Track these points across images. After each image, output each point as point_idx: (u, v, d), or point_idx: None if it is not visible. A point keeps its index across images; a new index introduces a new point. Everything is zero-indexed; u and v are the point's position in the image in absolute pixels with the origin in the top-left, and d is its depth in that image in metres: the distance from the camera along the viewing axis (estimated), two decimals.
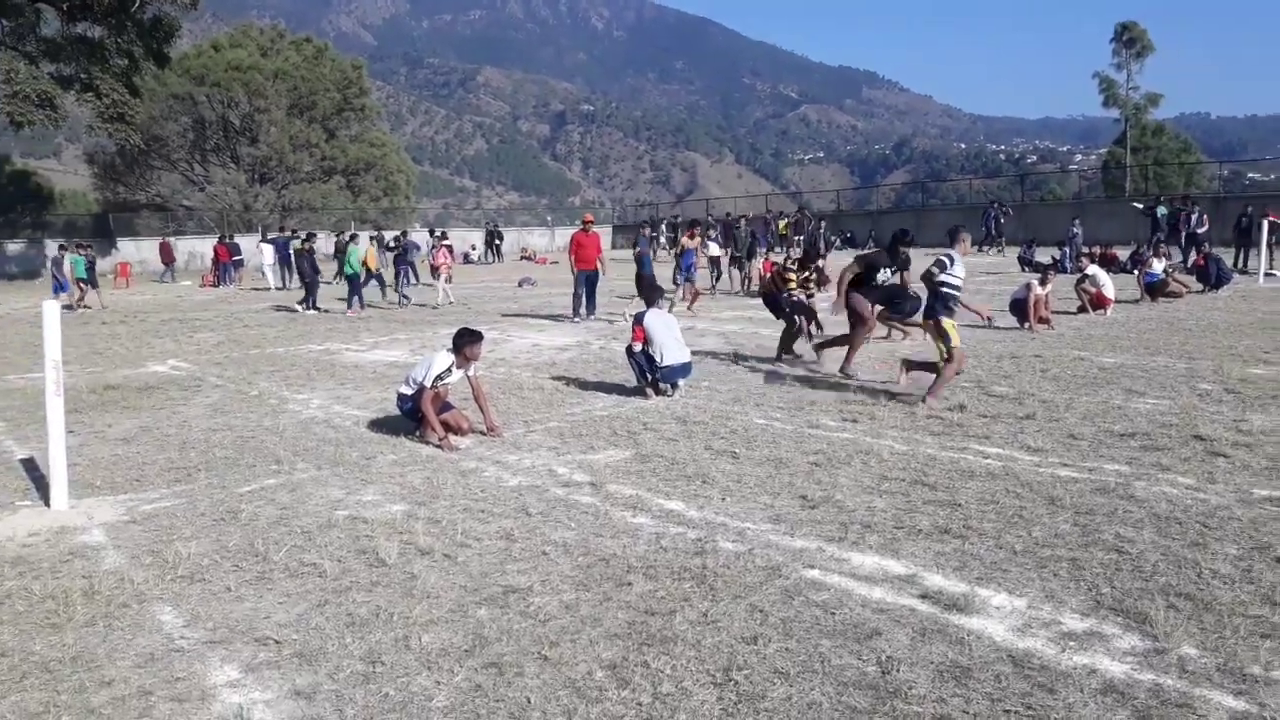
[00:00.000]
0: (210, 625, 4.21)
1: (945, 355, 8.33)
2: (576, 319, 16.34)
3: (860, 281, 9.87)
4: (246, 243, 35.13)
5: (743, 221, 23.23)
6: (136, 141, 42.04)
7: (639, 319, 9.13)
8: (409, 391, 7.61)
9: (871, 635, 3.84)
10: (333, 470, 6.81)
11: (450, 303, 20.68)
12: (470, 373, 7.69)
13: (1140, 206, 26.33)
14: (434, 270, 21.69)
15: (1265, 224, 20.04)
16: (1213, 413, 7.60)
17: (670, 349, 8.93)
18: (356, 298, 19.98)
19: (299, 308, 20.24)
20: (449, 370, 7.47)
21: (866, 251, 10.46)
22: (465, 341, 7.56)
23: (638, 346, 9.02)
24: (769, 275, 10.95)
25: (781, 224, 38.22)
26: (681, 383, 9.19)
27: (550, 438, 7.58)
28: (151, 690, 3.64)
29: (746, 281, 21.77)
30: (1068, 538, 4.90)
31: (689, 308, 17.16)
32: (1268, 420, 7.27)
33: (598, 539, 5.11)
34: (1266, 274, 19.68)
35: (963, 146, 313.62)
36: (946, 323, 8.34)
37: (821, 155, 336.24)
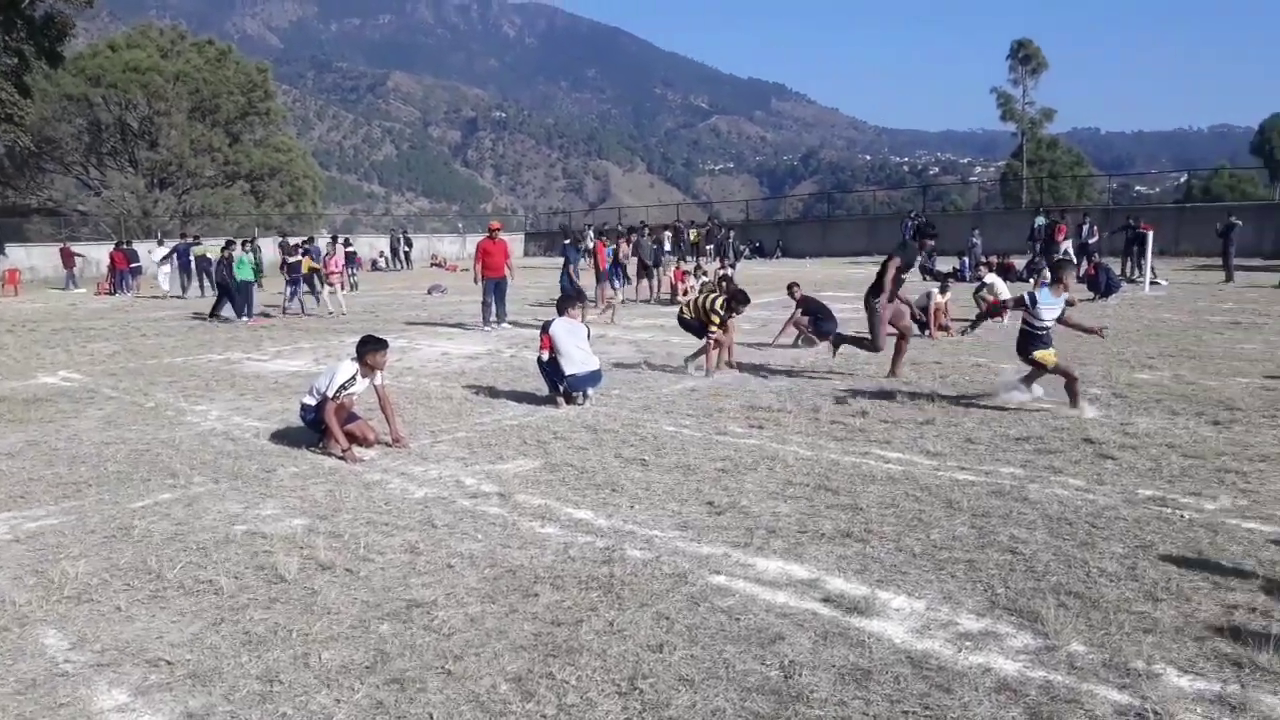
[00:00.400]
0: (98, 647, 4.05)
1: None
2: (488, 327, 16.19)
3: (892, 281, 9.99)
4: (145, 249, 33.88)
5: (647, 230, 23.34)
6: (26, 143, 40.38)
7: (546, 328, 9.10)
8: (312, 402, 7.44)
9: (775, 640, 3.89)
10: (231, 484, 6.61)
11: (344, 313, 20.00)
12: (376, 382, 7.56)
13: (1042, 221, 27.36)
14: (326, 278, 21.03)
15: (1149, 235, 20.96)
16: (1101, 416, 7.91)
17: (576, 358, 8.91)
18: (247, 306, 19.17)
19: (213, 318, 19.58)
20: (353, 380, 7.32)
21: (903, 247, 10.54)
22: (369, 350, 7.43)
23: (545, 355, 8.99)
24: (696, 302, 10.89)
25: (693, 233, 38.57)
26: (592, 391, 9.18)
27: (458, 448, 7.49)
28: (33, 718, 3.48)
29: (655, 290, 21.91)
30: (965, 540, 5.04)
31: (611, 317, 17.15)
32: (1152, 423, 7.60)
33: (505, 550, 5.07)
34: (1152, 283, 20.58)
35: (868, 158, 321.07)
36: (1039, 355, 8.36)
37: (731, 166, 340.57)
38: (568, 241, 20.57)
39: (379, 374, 7.58)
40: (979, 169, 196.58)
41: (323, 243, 30.81)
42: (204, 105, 50.85)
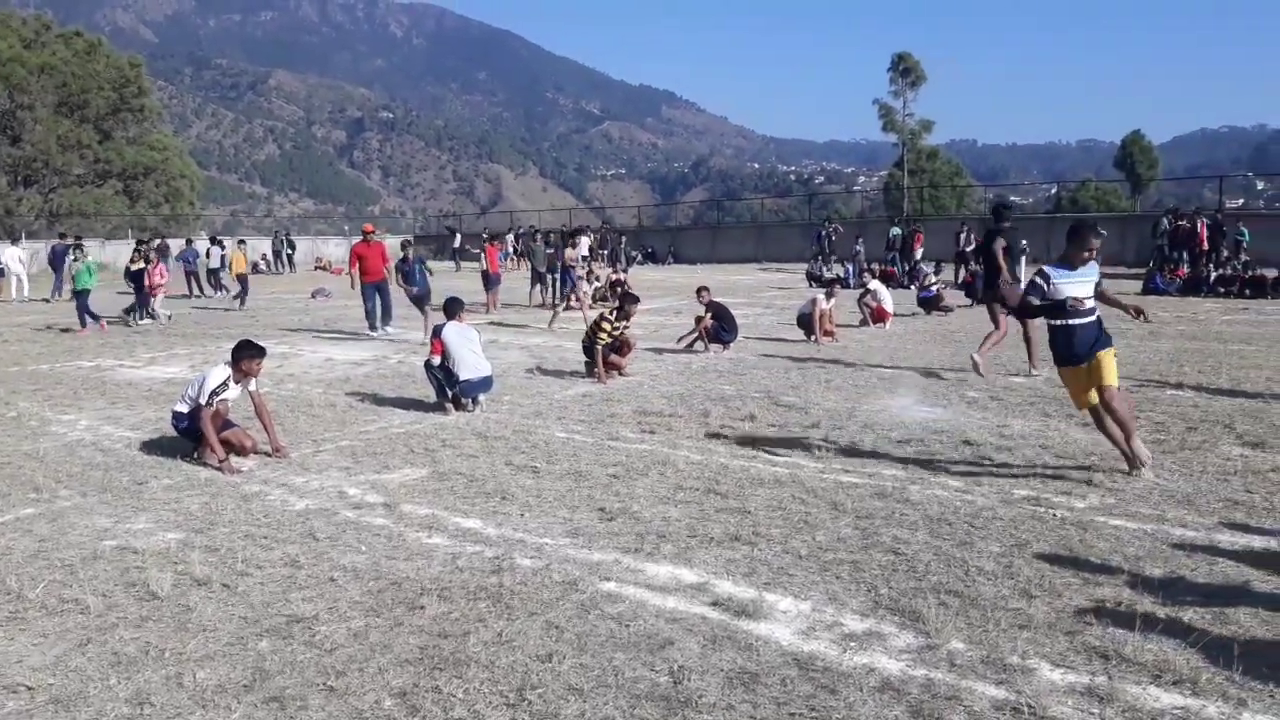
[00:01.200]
0: None
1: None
2: (374, 333, 15.85)
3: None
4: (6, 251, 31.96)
5: (538, 236, 23.26)
6: None
7: (437, 332, 8.94)
8: (184, 409, 7.14)
9: (664, 645, 3.89)
10: (100, 497, 6.29)
11: (166, 321, 19.09)
12: (250, 388, 7.30)
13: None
14: (150, 289, 19.49)
15: (1023, 244, 21.85)
16: (979, 420, 8.19)
17: (469, 363, 8.79)
18: (88, 315, 17.52)
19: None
20: (225, 385, 7.04)
21: (997, 233, 10.83)
22: (244, 355, 7.17)
23: (436, 360, 8.84)
24: (589, 327, 10.86)
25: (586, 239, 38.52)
26: (482, 398, 9.06)
27: (342, 457, 7.29)
28: None
29: (546, 297, 21.81)
30: (849, 541, 5.14)
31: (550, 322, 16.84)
32: (1026, 425, 7.91)
33: (390, 562, 4.95)
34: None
35: (756, 166, 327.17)
36: (1104, 363, 6.41)
37: (623, 171, 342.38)
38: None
39: (253, 380, 7.33)
40: (863, 178, 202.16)
41: (201, 245, 29.75)
42: (72, 100, 48.53)
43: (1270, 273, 20.77)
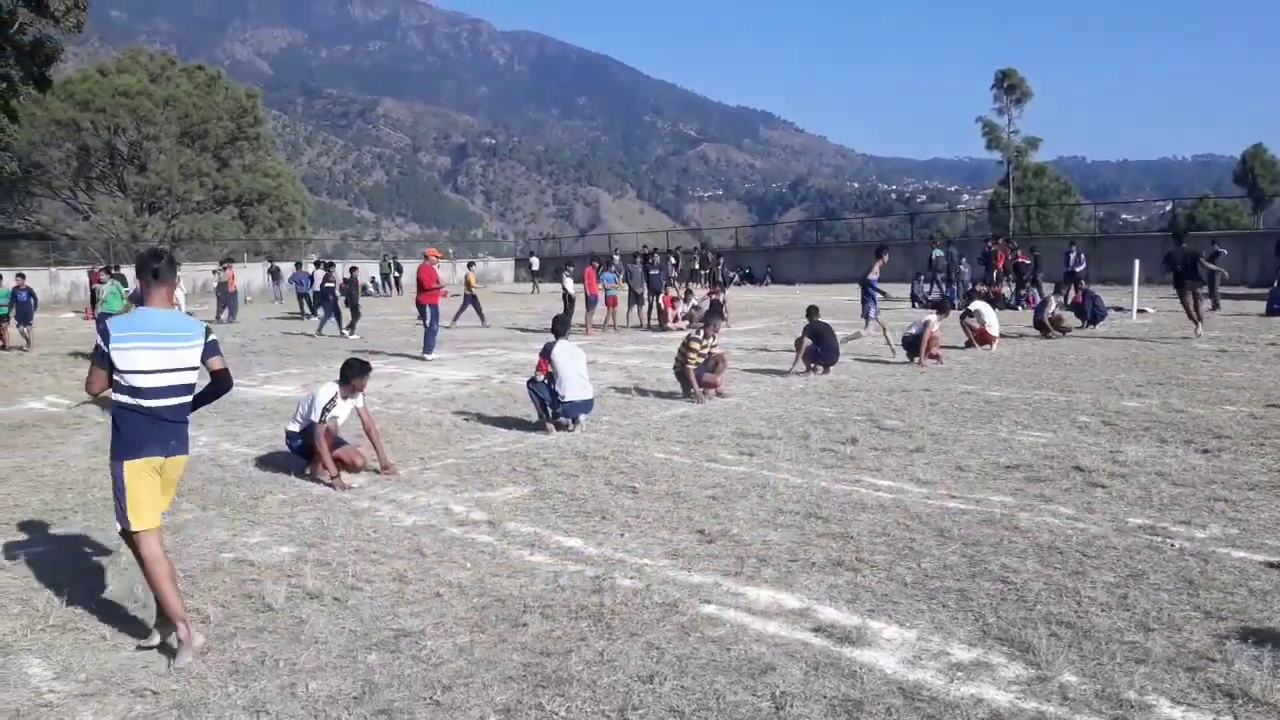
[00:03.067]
0: (83, 677, 4.00)
1: None
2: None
3: None
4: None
5: (637, 258, 23.44)
6: (14, 168, 40.26)
7: (546, 351, 9.07)
8: (296, 428, 7.41)
9: (765, 670, 3.86)
10: (218, 511, 6.56)
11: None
12: (358, 404, 7.52)
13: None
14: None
15: (1135, 264, 21.10)
16: (1091, 444, 7.92)
17: (574, 384, 8.90)
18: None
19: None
20: (334, 401, 7.28)
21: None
22: (354, 373, 7.40)
23: (541, 378, 8.97)
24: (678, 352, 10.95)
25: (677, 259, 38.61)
26: (583, 418, 9.16)
27: (447, 475, 7.45)
28: None
29: (645, 317, 21.96)
30: (956, 569, 5.02)
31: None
32: (1141, 451, 7.61)
33: (494, 579, 5.03)
34: (1139, 310, 20.70)
35: (855, 185, 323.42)
36: None
37: (720, 193, 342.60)
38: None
39: (361, 397, 7.55)
40: (966, 197, 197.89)
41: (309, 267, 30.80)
42: (193, 130, 50.96)
43: None
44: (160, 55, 58.04)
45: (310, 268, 29.40)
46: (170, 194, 50.25)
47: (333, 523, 6.18)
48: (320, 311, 22.04)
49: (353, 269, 23.99)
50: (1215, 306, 21.97)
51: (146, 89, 49.09)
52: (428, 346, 16.25)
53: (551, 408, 8.95)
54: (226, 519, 6.36)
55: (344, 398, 7.39)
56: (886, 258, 15.46)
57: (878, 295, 15.10)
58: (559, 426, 9.02)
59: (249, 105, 54.93)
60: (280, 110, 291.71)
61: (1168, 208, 71.63)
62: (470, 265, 27.80)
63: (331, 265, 23.57)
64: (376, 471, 7.48)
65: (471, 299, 23.34)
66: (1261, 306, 21.22)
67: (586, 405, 9.10)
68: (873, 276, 14.84)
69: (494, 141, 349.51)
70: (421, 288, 16.39)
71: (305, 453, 7.39)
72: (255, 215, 54.15)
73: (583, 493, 6.76)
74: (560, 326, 9.45)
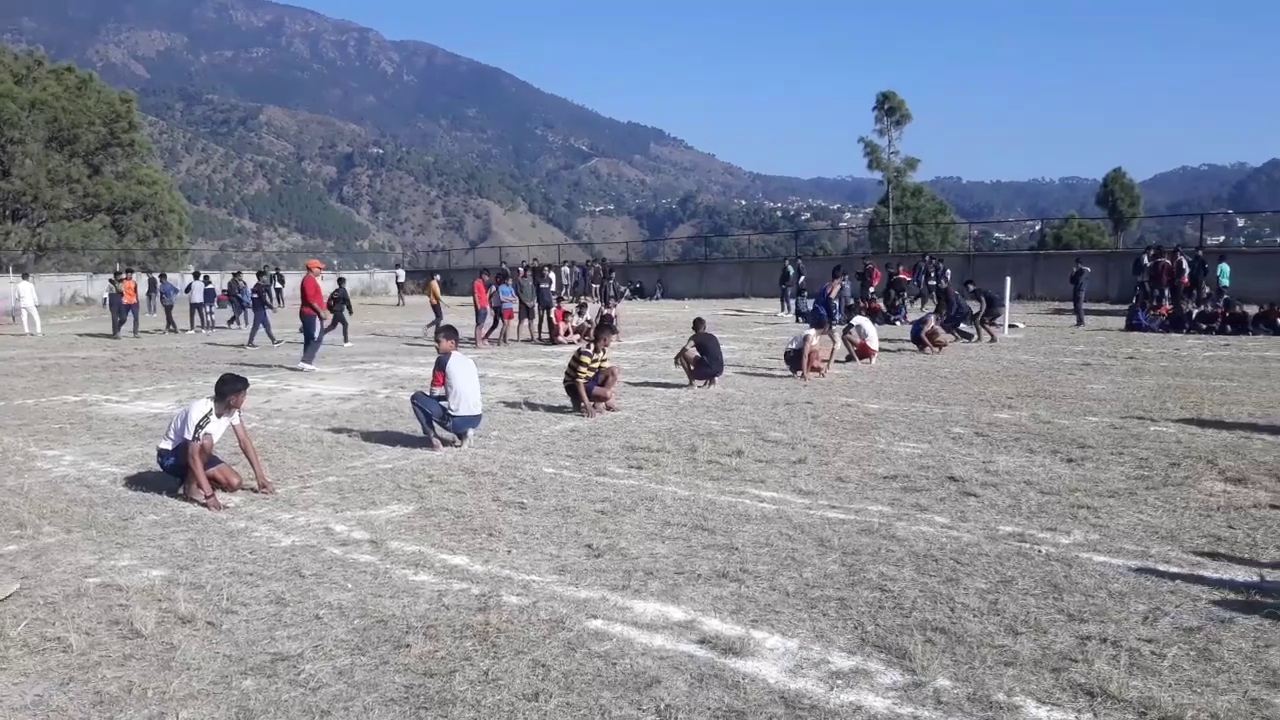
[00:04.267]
0: None
1: None
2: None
3: None
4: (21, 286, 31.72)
5: (526, 271, 23.41)
6: None
7: (440, 364, 8.92)
8: (169, 445, 7.12)
9: (651, 684, 3.88)
10: (84, 533, 6.24)
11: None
12: (234, 422, 7.28)
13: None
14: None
15: (1007, 280, 22.05)
16: (964, 455, 8.22)
17: (468, 399, 8.78)
18: None
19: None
20: (208, 418, 7.02)
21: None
22: (229, 389, 7.16)
23: (439, 391, 8.81)
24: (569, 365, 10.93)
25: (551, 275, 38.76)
26: (470, 433, 9.05)
27: (328, 493, 7.26)
28: None
29: (535, 330, 21.91)
30: (836, 577, 5.14)
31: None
32: (1011, 461, 7.95)
33: (376, 599, 4.92)
34: (1010, 326, 21.62)
35: (743, 203, 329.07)
36: None
37: (612, 207, 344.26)
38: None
39: (237, 414, 7.31)
40: (848, 215, 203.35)
41: (182, 279, 29.77)
42: (62, 134, 48.64)
43: (1251, 309, 20.98)
44: (26, 55, 55.15)
45: (189, 279, 28.42)
46: (37, 200, 47.76)
47: (207, 544, 5.96)
48: (243, 320, 21.79)
49: (260, 275, 23.91)
50: (1080, 322, 23.13)
51: (10, 90, 46.60)
52: (307, 356, 16.17)
53: (440, 423, 8.82)
54: (93, 542, 6.06)
55: (219, 414, 7.13)
56: (845, 279, 16.02)
57: (835, 313, 15.51)
58: (446, 442, 8.89)
59: (123, 110, 52.65)
60: (157, 116, 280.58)
61: (1037, 227, 74.93)
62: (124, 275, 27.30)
63: (264, 273, 23.55)
64: (254, 490, 7.24)
65: (435, 309, 23.34)
66: (1121, 322, 22.43)
67: (475, 420, 9.00)
68: (832, 294, 15.36)
69: (381, 151, 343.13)
70: (304, 299, 16.22)
71: (178, 472, 7.11)
72: (129, 224, 51.88)
73: (469, 509, 6.68)
74: (450, 336, 9.31)
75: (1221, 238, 76.37)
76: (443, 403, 8.77)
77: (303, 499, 7.10)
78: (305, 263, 18.18)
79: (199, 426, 6.94)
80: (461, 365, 8.89)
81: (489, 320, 20.84)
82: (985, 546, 5.66)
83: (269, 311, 21.74)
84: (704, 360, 12.69)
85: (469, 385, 8.81)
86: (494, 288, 20.86)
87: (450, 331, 9.32)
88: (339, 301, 21.98)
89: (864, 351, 15.52)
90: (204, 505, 6.79)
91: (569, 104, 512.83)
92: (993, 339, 19.35)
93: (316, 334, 16.30)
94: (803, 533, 5.98)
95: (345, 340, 21.29)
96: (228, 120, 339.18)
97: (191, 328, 26.59)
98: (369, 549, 5.82)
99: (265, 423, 10.43)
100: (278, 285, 42.76)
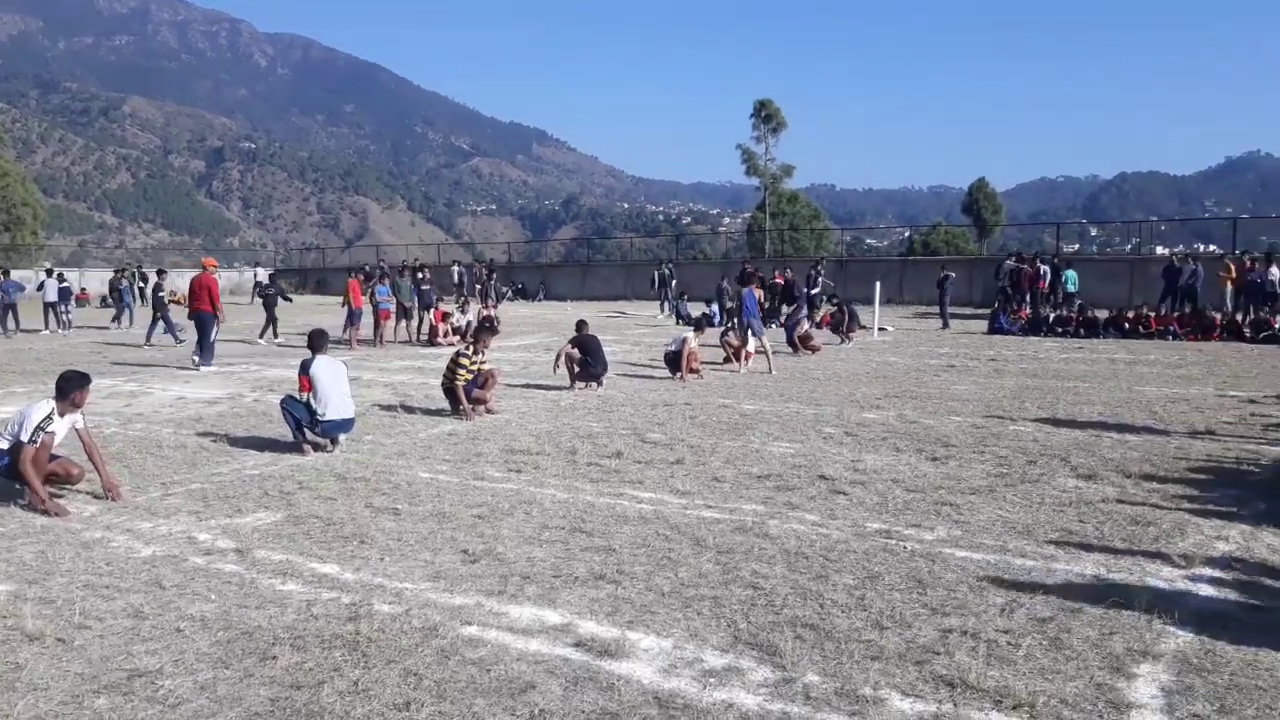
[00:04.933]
0: None
1: None
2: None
3: None
4: None
5: (407, 272, 22.99)
6: None
7: (305, 367, 8.68)
8: (5, 445, 6.68)
9: (525, 689, 3.86)
10: None
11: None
12: (78, 425, 6.92)
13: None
14: None
15: (877, 285, 22.80)
16: (835, 454, 8.46)
17: (335, 402, 8.57)
18: None
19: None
20: (49, 419, 6.64)
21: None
22: (72, 387, 6.81)
23: (304, 396, 8.57)
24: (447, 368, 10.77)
25: (454, 272, 38.18)
26: (343, 438, 8.83)
27: (191, 501, 6.98)
28: None
29: (416, 332, 21.56)
30: (710, 576, 5.22)
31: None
32: (879, 460, 8.22)
33: (241, 610, 4.76)
34: (879, 329, 22.35)
35: (626, 206, 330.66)
36: None
37: (494, 208, 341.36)
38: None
39: (81, 415, 6.96)
40: (727, 220, 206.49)
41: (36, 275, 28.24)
42: None
43: (1102, 314, 22.22)
44: None
45: (42, 275, 26.92)
46: None
47: (59, 556, 5.65)
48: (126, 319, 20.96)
49: (160, 272, 23.39)
50: (945, 326, 24.06)
51: None
52: (205, 359, 15.82)
53: (309, 427, 8.58)
54: None
55: (61, 414, 6.76)
56: (759, 287, 16.53)
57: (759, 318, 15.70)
58: (316, 447, 8.66)
59: None
60: (9, 103, 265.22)
61: (906, 234, 77.54)
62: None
63: (163, 273, 23.25)
64: (107, 500, 6.89)
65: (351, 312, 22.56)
66: (984, 325, 23.44)
67: (347, 424, 8.79)
68: (760, 296, 15.69)
69: (254, 146, 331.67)
70: (196, 297, 15.95)
71: (11, 474, 6.67)
72: None
73: (341, 516, 6.52)
74: (319, 341, 9.08)
75: (1076, 246, 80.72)
76: (310, 406, 8.54)
77: (164, 507, 6.81)
78: (201, 260, 18.19)
79: (39, 428, 6.56)
80: (328, 368, 8.69)
81: (362, 320, 20.42)
82: (854, 543, 5.83)
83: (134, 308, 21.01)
84: (587, 361, 12.70)
85: (336, 388, 8.61)
86: (370, 286, 20.52)
87: (320, 337, 9.11)
88: (271, 297, 21.80)
89: (741, 354, 15.78)
90: (44, 513, 6.43)
91: (450, 102, 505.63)
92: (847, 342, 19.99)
93: (212, 334, 15.98)
94: (679, 533, 6.05)
95: (276, 336, 21.04)
96: (88, 110, 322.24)
97: (46, 328, 25.14)
98: (234, 558, 5.62)
99: (126, 427, 9.97)
100: (140, 285, 41.08)
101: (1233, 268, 23.55)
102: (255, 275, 45.90)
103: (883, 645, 4.29)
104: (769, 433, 9.56)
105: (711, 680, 3.95)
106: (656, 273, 31.10)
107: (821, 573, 5.29)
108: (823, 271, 27.56)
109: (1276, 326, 19.59)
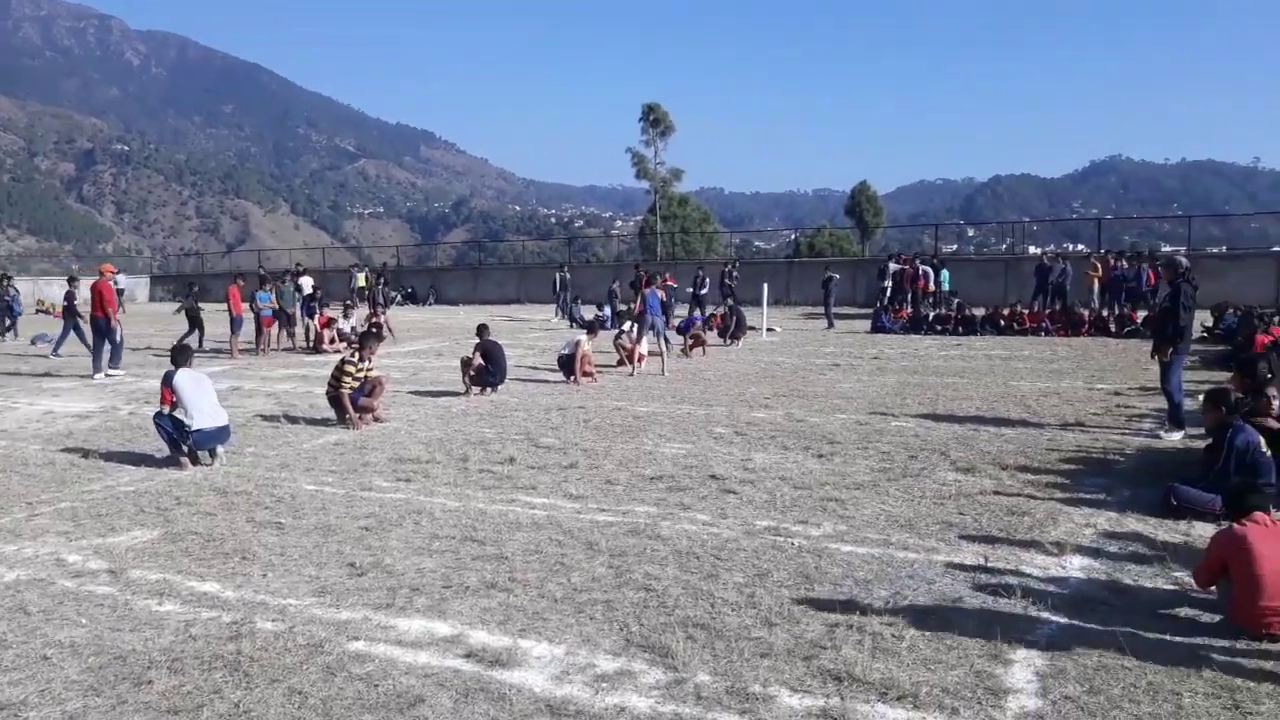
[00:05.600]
0: None
1: None
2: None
3: None
4: None
5: (288, 277, 22.37)
6: None
7: (167, 379, 8.38)
8: None
9: (414, 703, 3.80)
10: None
11: None
12: None
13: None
14: None
15: (764, 286, 23.19)
16: (725, 454, 8.58)
17: (203, 412, 8.28)
18: None
19: None
20: None
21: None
22: None
23: (166, 409, 8.26)
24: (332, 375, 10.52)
25: (361, 278, 36.89)
26: (221, 449, 8.54)
27: (60, 520, 6.65)
28: None
29: (293, 338, 21.01)
30: (603, 580, 5.23)
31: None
32: (767, 458, 8.36)
33: (114, 634, 4.56)
34: (768, 329, 22.74)
35: (517, 209, 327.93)
36: None
37: (381, 210, 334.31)
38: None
39: None
40: (620, 223, 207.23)
41: None
42: None
43: (978, 311, 23.08)
44: None
45: None
46: None
47: None
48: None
49: (71, 280, 22.39)
50: (830, 326, 24.64)
51: None
52: (112, 363, 15.91)
53: (181, 440, 8.27)
54: None
55: None
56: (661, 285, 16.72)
57: (662, 317, 15.77)
58: (195, 460, 8.36)
59: None
60: None
61: (792, 236, 79.02)
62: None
63: (74, 280, 22.03)
64: None
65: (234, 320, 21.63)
66: (867, 325, 24.08)
67: (221, 434, 8.50)
68: (662, 296, 15.72)
69: (127, 148, 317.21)
70: (98, 304, 15.69)
71: None
72: None
73: (221, 532, 6.30)
74: (181, 357, 8.77)
75: (954, 246, 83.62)
76: (177, 417, 8.25)
77: (30, 528, 6.47)
78: (99, 267, 17.85)
79: None
80: (191, 378, 8.45)
81: (244, 328, 19.77)
82: (743, 541, 5.92)
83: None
84: (488, 369, 12.55)
85: (202, 397, 8.36)
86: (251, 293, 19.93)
87: (183, 352, 8.85)
88: (194, 307, 20.91)
89: (634, 356, 15.85)
90: None
91: (334, 102, 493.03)
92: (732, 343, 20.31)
93: (118, 339, 15.92)
94: (572, 537, 6.04)
95: (200, 345, 20.21)
96: None
97: None
98: (107, 579, 5.38)
99: None
100: (11, 291, 38.88)
101: (1099, 266, 24.77)
102: (115, 282, 43.84)
103: (772, 642, 4.37)
104: (661, 434, 9.62)
105: (604, 685, 3.96)
106: (559, 275, 30.88)
107: (712, 572, 5.35)
108: (738, 275, 28.00)
109: (1138, 322, 20.65)
